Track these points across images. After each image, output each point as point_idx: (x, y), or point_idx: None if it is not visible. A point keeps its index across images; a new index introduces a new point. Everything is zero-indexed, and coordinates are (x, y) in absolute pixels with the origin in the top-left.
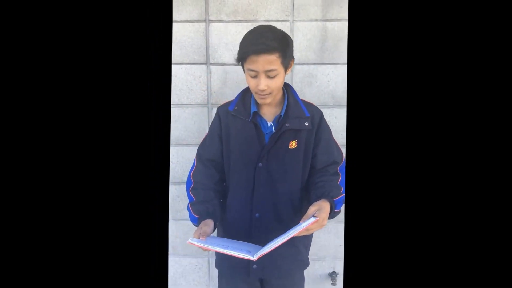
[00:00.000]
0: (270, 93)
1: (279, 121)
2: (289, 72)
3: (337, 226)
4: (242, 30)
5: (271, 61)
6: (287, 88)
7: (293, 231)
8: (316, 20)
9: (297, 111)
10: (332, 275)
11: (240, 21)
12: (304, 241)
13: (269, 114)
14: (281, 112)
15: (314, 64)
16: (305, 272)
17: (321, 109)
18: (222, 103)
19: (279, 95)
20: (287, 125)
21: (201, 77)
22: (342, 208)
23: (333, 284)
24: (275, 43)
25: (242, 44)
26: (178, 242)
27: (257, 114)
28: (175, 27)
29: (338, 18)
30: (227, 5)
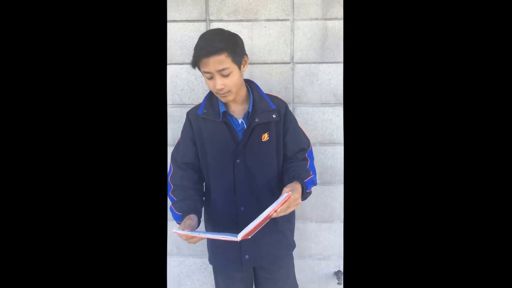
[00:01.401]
0: (229, 91)
1: (248, 117)
2: (245, 68)
3: (342, 226)
4: (242, 29)
5: (221, 60)
6: (251, 85)
7: (269, 209)
8: (317, 19)
9: (263, 105)
10: (338, 274)
11: (240, 20)
12: (288, 225)
13: (238, 111)
14: (248, 108)
15: (315, 62)
16: (311, 271)
17: (323, 108)
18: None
19: (243, 92)
20: (257, 120)
21: (202, 77)
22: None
23: (339, 283)
24: (222, 44)
25: (194, 49)
26: (183, 242)
27: (226, 113)
28: (176, 26)
29: (338, 17)
30: (228, 5)
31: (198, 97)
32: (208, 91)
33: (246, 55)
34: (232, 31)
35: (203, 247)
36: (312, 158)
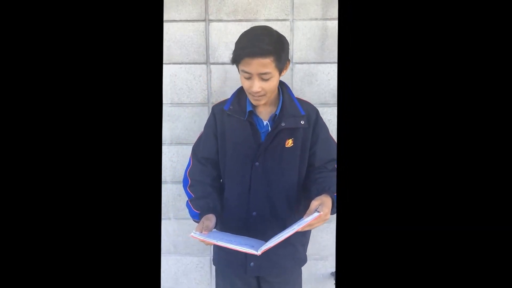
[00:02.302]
0: (264, 95)
1: (274, 120)
2: (284, 73)
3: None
4: (242, 29)
5: (265, 64)
6: (282, 87)
7: (296, 226)
8: (316, 19)
9: (292, 109)
10: (335, 274)
11: (240, 20)
12: (302, 239)
13: (264, 113)
14: (276, 111)
15: (314, 63)
16: (307, 271)
17: (322, 108)
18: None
19: (273, 95)
20: (283, 124)
21: (201, 77)
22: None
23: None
24: (270, 46)
25: (237, 45)
26: (180, 241)
27: (252, 113)
28: (175, 26)
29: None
30: (227, 5)
31: (197, 97)
32: (238, 88)
33: (289, 60)
34: (232, 31)
35: (199, 245)
36: None
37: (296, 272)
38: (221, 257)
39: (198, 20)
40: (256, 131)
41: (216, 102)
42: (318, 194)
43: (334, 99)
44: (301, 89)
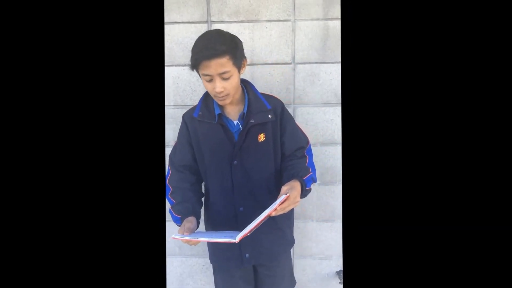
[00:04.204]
0: (227, 94)
1: (243, 118)
2: (243, 71)
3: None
4: (243, 30)
5: (223, 63)
6: (246, 85)
7: (268, 210)
8: (318, 19)
9: (258, 105)
10: (339, 273)
11: (241, 21)
12: (287, 222)
13: (233, 113)
14: (244, 109)
15: (316, 63)
16: (312, 270)
17: (324, 108)
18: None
19: (238, 93)
20: (252, 121)
21: None
22: (339, 204)
23: (340, 283)
24: (223, 46)
25: (193, 51)
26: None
27: (222, 115)
28: (177, 28)
29: (340, 17)
30: (229, 6)
31: (199, 98)
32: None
33: (245, 58)
34: (234, 32)
35: (204, 247)
36: (311, 155)
37: (287, 254)
38: (218, 254)
39: (200, 22)
40: (229, 132)
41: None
42: (289, 180)
43: (336, 98)
44: (303, 89)
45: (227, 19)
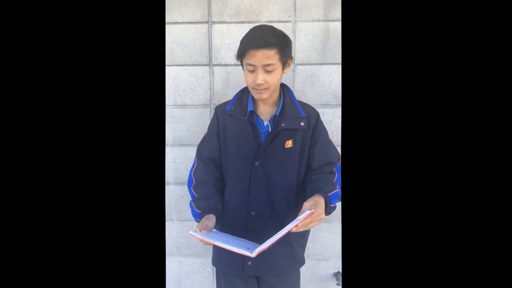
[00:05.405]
0: (267, 88)
1: (275, 120)
2: (287, 71)
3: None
4: (244, 31)
5: (269, 55)
6: (284, 89)
7: (289, 226)
8: (318, 20)
9: (293, 111)
10: (337, 275)
11: (242, 22)
12: (300, 240)
13: (265, 113)
14: (276, 111)
15: (316, 64)
16: (310, 272)
17: (324, 109)
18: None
19: (275, 94)
20: (283, 125)
21: (204, 78)
22: (338, 205)
23: (338, 284)
24: (274, 39)
25: (242, 41)
26: (183, 242)
27: (253, 113)
28: (178, 28)
29: (340, 18)
30: (230, 6)
31: (199, 98)
32: (237, 91)
33: (292, 57)
34: (234, 32)
35: (202, 247)
36: (340, 173)
37: (295, 273)
38: (220, 257)
39: (201, 22)
40: (257, 131)
41: (218, 103)
42: (312, 194)
43: (336, 100)
44: (303, 90)
45: (228, 20)
